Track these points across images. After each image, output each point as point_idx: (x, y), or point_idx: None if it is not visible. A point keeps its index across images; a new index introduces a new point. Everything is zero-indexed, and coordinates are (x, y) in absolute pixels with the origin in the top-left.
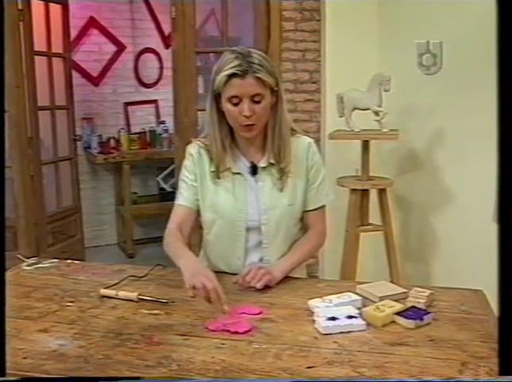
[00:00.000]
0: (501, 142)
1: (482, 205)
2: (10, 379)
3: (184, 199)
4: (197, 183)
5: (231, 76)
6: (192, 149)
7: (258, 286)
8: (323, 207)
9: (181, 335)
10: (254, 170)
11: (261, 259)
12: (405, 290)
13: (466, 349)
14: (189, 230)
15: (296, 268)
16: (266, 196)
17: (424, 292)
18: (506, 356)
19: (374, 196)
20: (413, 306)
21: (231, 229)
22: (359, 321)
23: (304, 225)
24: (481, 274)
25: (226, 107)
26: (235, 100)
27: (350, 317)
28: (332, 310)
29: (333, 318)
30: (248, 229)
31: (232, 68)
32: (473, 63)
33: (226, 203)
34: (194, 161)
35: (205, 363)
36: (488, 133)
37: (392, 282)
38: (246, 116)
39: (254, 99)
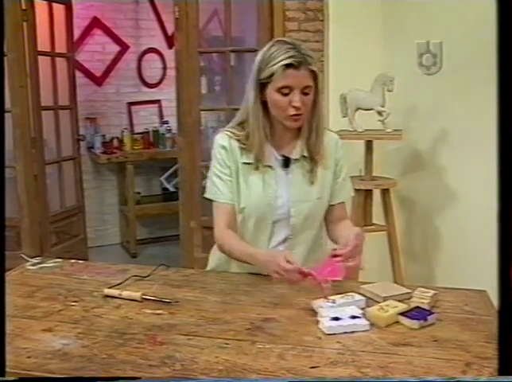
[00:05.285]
0: (501, 142)
1: (486, 206)
2: (8, 379)
3: (224, 197)
4: (232, 177)
5: (287, 66)
6: (223, 140)
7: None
8: (345, 201)
9: (185, 335)
10: (286, 163)
11: None
12: (409, 291)
13: (470, 350)
14: (236, 228)
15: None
16: (297, 188)
17: (428, 292)
18: (506, 356)
19: (377, 196)
20: (417, 307)
21: (258, 222)
22: (363, 322)
23: (328, 219)
24: (485, 275)
25: (275, 97)
26: (286, 90)
27: (353, 317)
28: (336, 310)
29: (337, 318)
30: (275, 222)
31: (288, 58)
32: (473, 63)
33: (256, 196)
34: (227, 154)
35: (209, 363)
36: (491, 133)
37: (395, 282)
38: (295, 107)
39: (304, 91)
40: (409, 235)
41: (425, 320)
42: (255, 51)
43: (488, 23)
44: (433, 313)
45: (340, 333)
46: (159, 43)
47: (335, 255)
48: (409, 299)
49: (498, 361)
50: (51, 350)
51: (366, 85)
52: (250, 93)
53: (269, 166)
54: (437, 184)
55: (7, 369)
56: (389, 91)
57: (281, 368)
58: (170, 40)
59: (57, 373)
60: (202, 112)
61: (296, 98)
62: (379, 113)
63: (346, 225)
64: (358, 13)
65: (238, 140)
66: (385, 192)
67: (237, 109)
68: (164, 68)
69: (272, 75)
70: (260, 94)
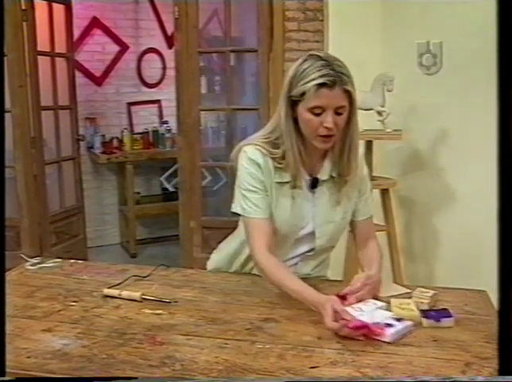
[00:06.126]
0: (501, 142)
1: (486, 206)
2: (6, 379)
3: (262, 212)
4: (267, 192)
5: (320, 85)
6: (255, 156)
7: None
8: (371, 215)
9: (184, 335)
10: (313, 184)
11: (295, 264)
12: (409, 291)
13: (469, 350)
14: (273, 245)
15: (321, 267)
16: (323, 209)
17: (428, 292)
18: (506, 356)
19: (377, 196)
20: (444, 308)
21: (282, 238)
22: (408, 322)
23: (356, 236)
24: (484, 275)
25: (306, 116)
26: (318, 110)
27: (398, 319)
28: (367, 317)
29: (389, 325)
30: (297, 239)
31: (321, 77)
32: (473, 63)
33: (285, 216)
34: (262, 172)
35: (208, 363)
36: (491, 133)
37: (395, 282)
38: (327, 128)
39: (338, 111)
40: (409, 235)
41: (438, 321)
42: (255, 51)
43: (488, 23)
44: (452, 316)
45: (398, 339)
46: (159, 43)
47: (342, 296)
48: (408, 299)
49: (498, 361)
50: (51, 350)
51: (366, 85)
52: (282, 109)
53: (299, 187)
54: (437, 184)
55: (7, 369)
56: (389, 91)
57: (280, 368)
58: (170, 40)
59: (57, 373)
60: (202, 112)
61: (328, 118)
62: (379, 113)
63: (368, 254)
64: (357, 13)
65: (273, 158)
66: (384, 192)
67: (236, 109)
68: (164, 68)
69: (304, 93)
70: (291, 110)
